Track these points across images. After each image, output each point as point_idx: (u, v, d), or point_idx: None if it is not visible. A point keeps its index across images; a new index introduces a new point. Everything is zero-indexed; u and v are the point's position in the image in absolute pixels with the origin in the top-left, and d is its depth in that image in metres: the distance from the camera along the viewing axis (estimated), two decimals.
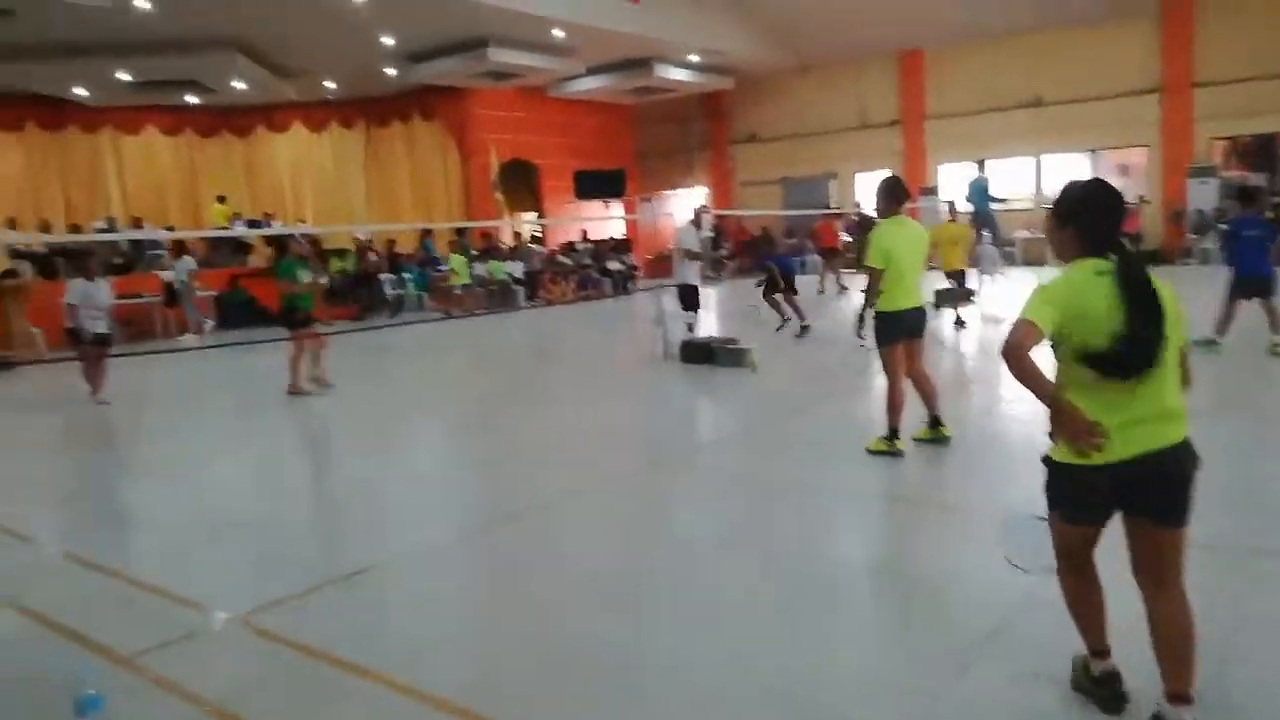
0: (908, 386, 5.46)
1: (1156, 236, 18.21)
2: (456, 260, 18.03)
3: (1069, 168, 19.94)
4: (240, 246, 18.65)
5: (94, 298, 8.94)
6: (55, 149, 19.78)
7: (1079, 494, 2.44)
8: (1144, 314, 2.32)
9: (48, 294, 14.58)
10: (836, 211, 18.56)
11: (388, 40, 16.80)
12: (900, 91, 21.51)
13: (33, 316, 13.34)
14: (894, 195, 5.43)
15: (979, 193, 13.24)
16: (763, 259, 12.51)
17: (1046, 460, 2.47)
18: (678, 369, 9.44)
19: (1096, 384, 2.36)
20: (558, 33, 16.92)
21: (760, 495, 5.00)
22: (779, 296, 11.15)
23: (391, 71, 19.07)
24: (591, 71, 20.61)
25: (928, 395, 5.54)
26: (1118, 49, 18.47)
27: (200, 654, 3.36)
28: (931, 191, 19.96)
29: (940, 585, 3.61)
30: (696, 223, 10.55)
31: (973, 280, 13.65)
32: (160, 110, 20.43)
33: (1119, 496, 2.41)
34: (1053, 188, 19.89)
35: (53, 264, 16.17)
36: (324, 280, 9.08)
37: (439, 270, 18.93)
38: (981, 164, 13.92)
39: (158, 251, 18.04)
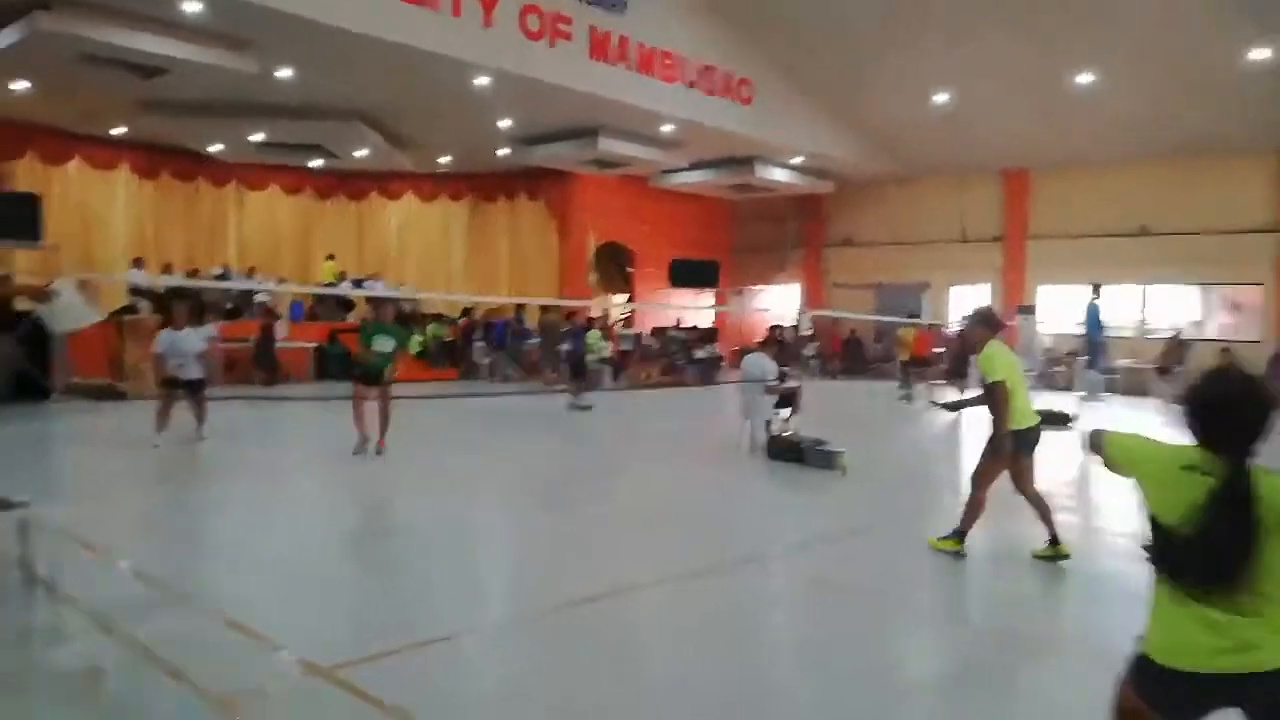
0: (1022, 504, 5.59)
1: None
2: (594, 336, 18.36)
3: (1177, 300, 19.45)
4: (343, 303, 19.41)
5: (179, 346, 9.19)
6: (184, 198, 21.04)
7: (1156, 685, 2.26)
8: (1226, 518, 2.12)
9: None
10: (924, 323, 18.21)
11: (505, 122, 17.53)
12: (1004, 208, 21.40)
13: (146, 353, 13.94)
14: (990, 324, 5.75)
15: (1093, 317, 12.94)
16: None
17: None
18: (764, 465, 9.33)
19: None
20: (667, 127, 17.42)
21: (843, 604, 4.85)
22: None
23: (504, 151, 19.84)
24: (694, 166, 21.11)
25: (1045, 514, 5.54)
26: (1232, 182, 18.09)
27: (290, 702, 3.37)
28: (1030, 310, 19.63)
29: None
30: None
31: (1073, 404, 13.31)
32: (285, 170, 21.62)
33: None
34: (1160, 318, 19.41)
35: (168, 305, 17.04)
36: (405, 349, 9.28)
37: (529, 343, 19.32)
38: (1097, 288, 13.54)
39: (264, 301, 18.91)
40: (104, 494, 7.09)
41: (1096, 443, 2.49)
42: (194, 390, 9.34)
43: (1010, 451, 5.45)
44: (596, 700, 3.51)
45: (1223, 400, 2.25)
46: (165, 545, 5.71)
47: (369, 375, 8.84)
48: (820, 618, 4.70)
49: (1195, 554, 2.15)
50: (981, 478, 5.59)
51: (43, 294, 4.83)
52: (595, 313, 21.78)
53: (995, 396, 5.40)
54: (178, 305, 9.85)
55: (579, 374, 14.44)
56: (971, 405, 5.95)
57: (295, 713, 3.28)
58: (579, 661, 3.94)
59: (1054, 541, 5.54)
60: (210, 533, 6.28)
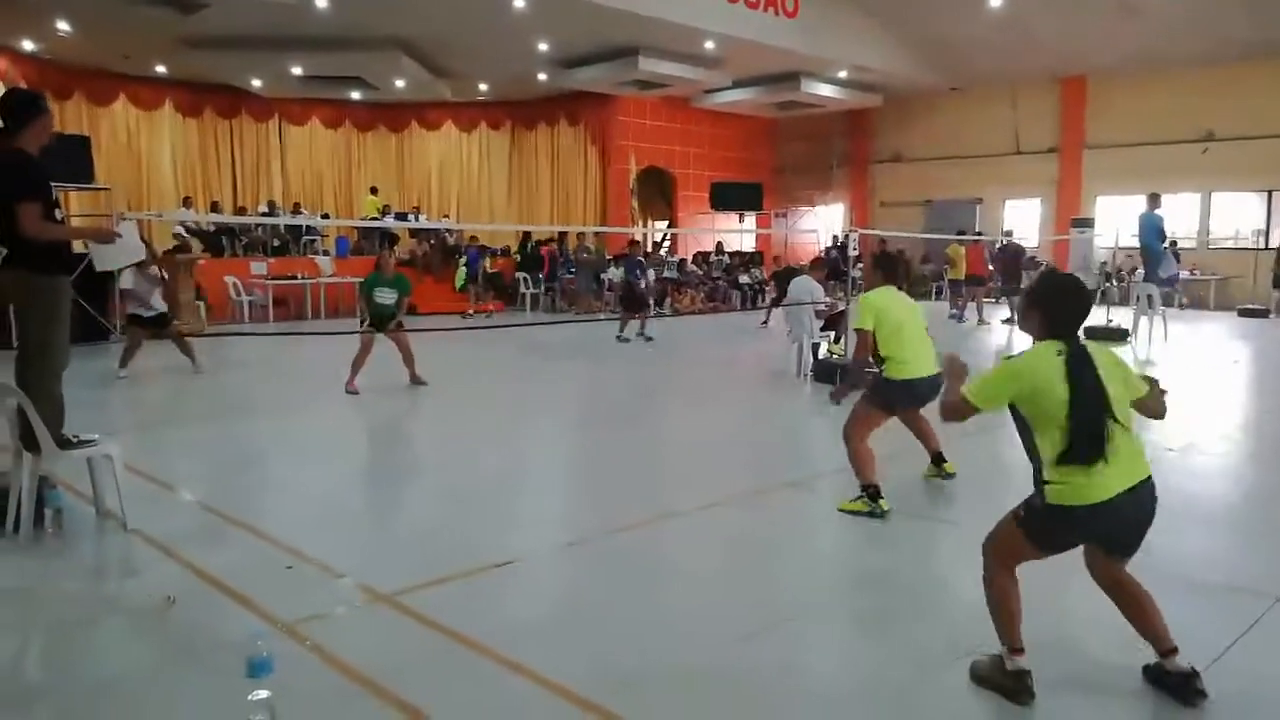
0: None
1: None
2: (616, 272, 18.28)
3: (1240, 207, 18.77)
4: (388, 236, 19.54)
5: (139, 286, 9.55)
6: (228, 135, 21.16)
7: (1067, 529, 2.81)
8: (1087, 404, 2.64)
9: (212, 270, 15.58)
10: (969, 239, 17.62)
11: (543, 46, 17.22)
12: (1059, 118, 20.61)
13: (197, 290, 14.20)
14: (884, 269, 5.48)
15: (1152, 228, 12.37)
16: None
17: (1045, 506, 2.76)
18: (810, 388, 9.29)
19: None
20: (709, 45, 16.97)
21: (887, 527, 4.84)
22: None
23: (543, 76, 19.55)
24: (737, 84, 20.60)
25: (929, 436, 5.61)
26: None
27: (354, 627, 3.48)
28: (1086, 224, 19.05)
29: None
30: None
31: (1128, 320, 12.99)
32: (325, 103, 21.60)
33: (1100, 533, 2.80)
34: (1224, 228, 18.75)
35: (218, 242, 17.32)
36: (409, 297, 9.02)
37: (570, 273, 19.29)
38: (1154, 198, 12.75)
39: (313, 236, 19.09)
40: (162, 428, 7.31)
41: (959, 406, 2.85)
42: (157, 326, 9.68)
43: (895, 405, 5.24)
44: (654, 625, 3.56)
45: (1075, 292, 2.85)
46: (222, 478, 5.89)
47: (376, 323, 8.81)
48: (865, 541, 4.70)
49: (1082, 438, 2.63)
50: (854, 430, 5.09)
51: (106, 235, 4.94)
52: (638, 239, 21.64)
53: (856, 342, 5.33)
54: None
55: (639, 305, 13.99)
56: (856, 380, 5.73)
57: (362, 637, 3.38)
58: (632, 586, 4.00)
59: (939, 460, 5.61)
60: (263, 465, 6.45)
